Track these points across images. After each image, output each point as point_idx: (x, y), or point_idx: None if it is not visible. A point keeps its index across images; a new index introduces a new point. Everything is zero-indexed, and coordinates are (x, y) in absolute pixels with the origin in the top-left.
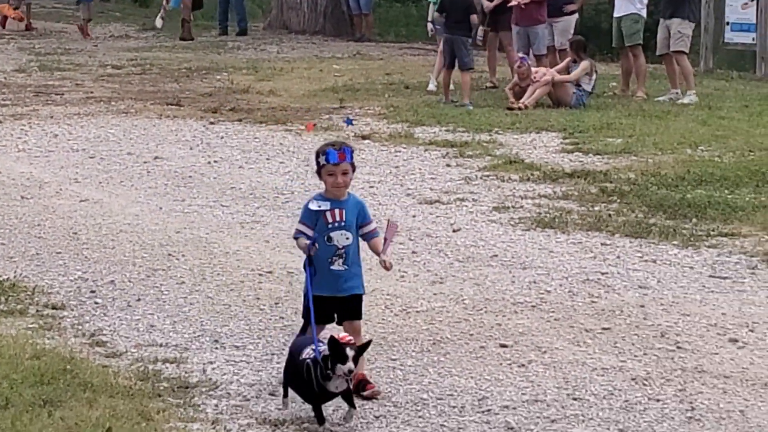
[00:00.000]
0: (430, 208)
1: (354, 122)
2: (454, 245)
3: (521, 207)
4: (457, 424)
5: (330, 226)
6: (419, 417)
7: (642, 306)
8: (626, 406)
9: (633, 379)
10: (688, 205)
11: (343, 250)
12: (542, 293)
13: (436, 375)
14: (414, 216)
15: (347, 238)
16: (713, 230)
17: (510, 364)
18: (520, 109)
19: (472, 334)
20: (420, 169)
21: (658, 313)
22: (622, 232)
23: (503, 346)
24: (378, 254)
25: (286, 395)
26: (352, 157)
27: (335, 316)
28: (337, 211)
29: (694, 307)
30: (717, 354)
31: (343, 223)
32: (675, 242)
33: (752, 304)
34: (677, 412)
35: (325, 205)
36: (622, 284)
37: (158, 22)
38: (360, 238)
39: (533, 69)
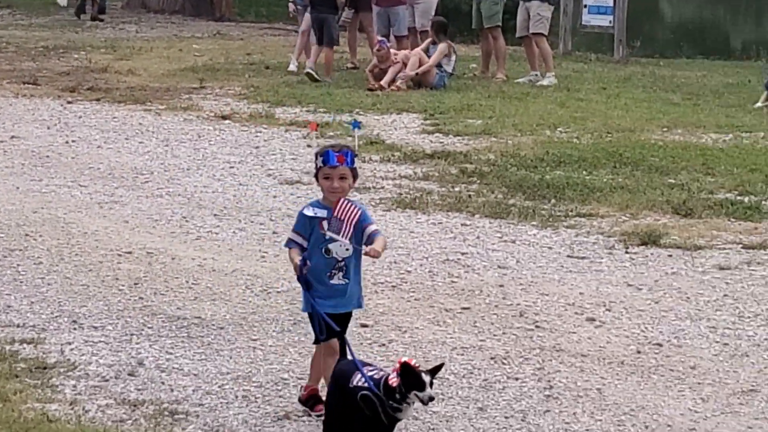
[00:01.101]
0: (291, 188)
1: (361, 126)
2: None
3: (382, 187)
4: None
5: (328, 237)
6: (280, 396)
7: (501, 286)
8: (485, 385)
9: (492, 358)
10: (547, 186)
11: (342, 263)
12: (403, 273)
13: (296, 355)
14: (275, 196)
15: (347, 250)
16: (571, 211)
17: (371, 344)
18: (381, 89)
19: None
20: (281, 149)
21: (517, 292)
22: (482, 212)
23: (364, 326)
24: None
25: None
26: (353, 162)
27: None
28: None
29: (552, 287)
30: (575, 333)
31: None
32: (534, 223)
33: (609, 283)
34: (535, 391)
35: (322, 213)
36: (482, 264)
37: (62, 0)
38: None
39: (393, 51)
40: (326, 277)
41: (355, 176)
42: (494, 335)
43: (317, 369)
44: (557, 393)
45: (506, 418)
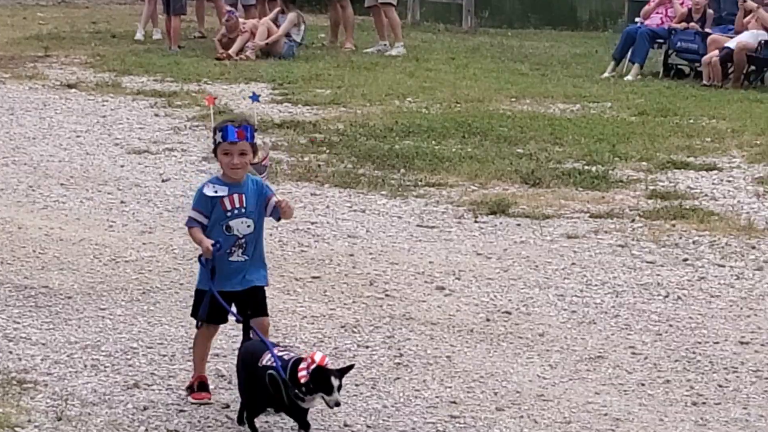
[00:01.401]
0: (139, 158)
1: (259, 98)
2: (163, 195)
3: None
4: (168, 372)
5: (229, 213)
6: (129, 366)
7: (351, 255)
8: (336, 353)
9: (342, 327)
10: (396, 156)
11: (243, 240)
12: None
13: (146, 324)
14: (122, 166)
15: (248, 227)
16: (420, 180)
17: None
18: (229, 58)
19: (182, 284)
20: (128, 118)
21: (367, 261)
22: (332, 182)
23: None
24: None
25: (254, 429)
26: (252, 137)
27: (228, 316)
28: (236, 196)
29: (402, 256)
30: (424, 301)
31: (243, 210)
32: (383, 192)
33: (458, 252)
34: (386, 359)
35: (222, 190)
36: (332, 234)
37: None
38: (268, 217)
39: (241, 21)
40: (225, 254)
41: (255, 151)
42: (344, 304)
43: (201, 354)
44: (407, 361)
45: (356, 385)
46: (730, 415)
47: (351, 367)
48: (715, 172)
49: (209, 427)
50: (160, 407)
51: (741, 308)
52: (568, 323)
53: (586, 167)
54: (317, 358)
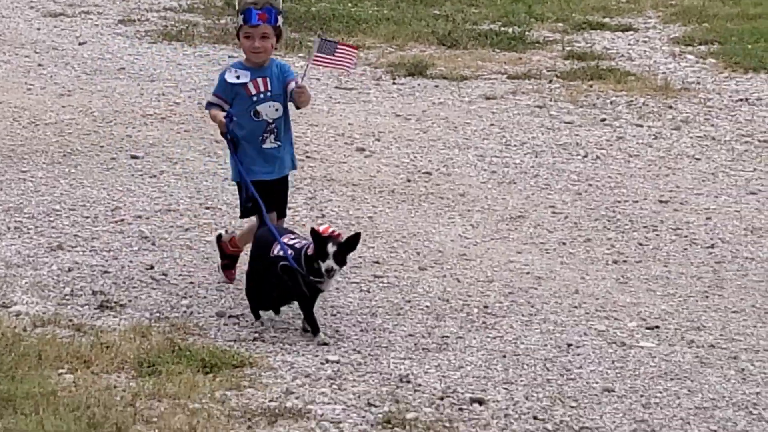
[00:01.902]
0: (55, 21)
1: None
2: (81, 58)
3: (147, 20)
4: (91, 234)
5: (255, 98)
6: (52, 228)
7: None
8: None
9: None
10: (313, 18)
11: (274, 125)
12: (171, 105)
13: (67, 186)
14: (39, 29)
15: (277, 110)
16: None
17: (142, 175)
18: None
19: (102, 146)
20: None
21: None
22: None
23: (134, 157)
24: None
25: (258, 315)
26: (276, 20)
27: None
28: (260, 80)
29: (321, 118)
30: (345, 163)
31: (269, 94)
32: (301, 54)
33: (378, 114)
34: (308, 219)
35: (245, 76)
36: None
37: None
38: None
39: None
40: (258, 141)
41: (279, 35)
42: None
43: (245, 239)
44: (329, 222)
45: None
46: (651, 273)
47: (357, 235)
48: (631, 32)
49: (134, 287)
50: (84, 268)
51: (659, 167)
52: (488, 183)
53: (502, 28)
54: (322, 228)
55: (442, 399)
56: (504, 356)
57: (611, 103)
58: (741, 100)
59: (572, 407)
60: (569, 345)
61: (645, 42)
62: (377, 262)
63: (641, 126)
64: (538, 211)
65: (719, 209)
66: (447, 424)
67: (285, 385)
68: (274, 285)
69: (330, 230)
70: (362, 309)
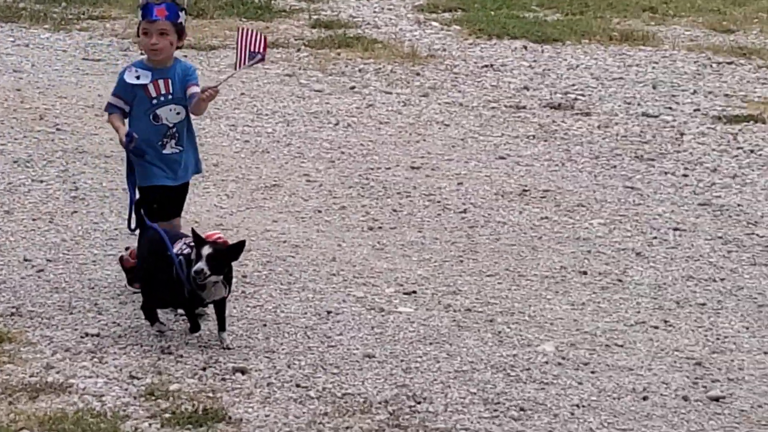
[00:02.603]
0: None
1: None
2: None
3: None
4: None
5: (155, 101)
6: None
7: (18, 90)
8: (10, 188)
9: (15, 162)
10: None
11: (174, 129)
12: None
13: None
14: None
15: (178, 114)
16: (83, 14)
17: None
18: None
19: None
20: None
21: (35, 96)
22: None
23: None
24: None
25: (153, 319)
26: (177, 17)
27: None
28: (161, 82)
29: (70, 90)
30: (96, 134)
31: (170, 96)
32: (46, 26)
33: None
34: (61, 192)
35: (146, 76)
36: None
37: None
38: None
39: None
40: (158, 146)
41: (180, 33)
42: (15, 139)
43: None
44: (83, 194)
45: (33, 220)
46: (406, 239)
47: (241, 244)
48: (375, 0)
49: None
50: None
51: (410, 134)
52: (241, 153)
53: None
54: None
55: (204, 369)
56: (264, 325)
57: (360, 71)
58: (486, 66)
59: (334, 374)
60: (329, 312)
61: (390, 10)
62: (134, 234)
63: (390, 93)
64: (293, 179)
65: (470, 174)
66: (210, 395)
67: (45, 360)
68: (166, 285)
69: (215, 236)
70: (120, 281)
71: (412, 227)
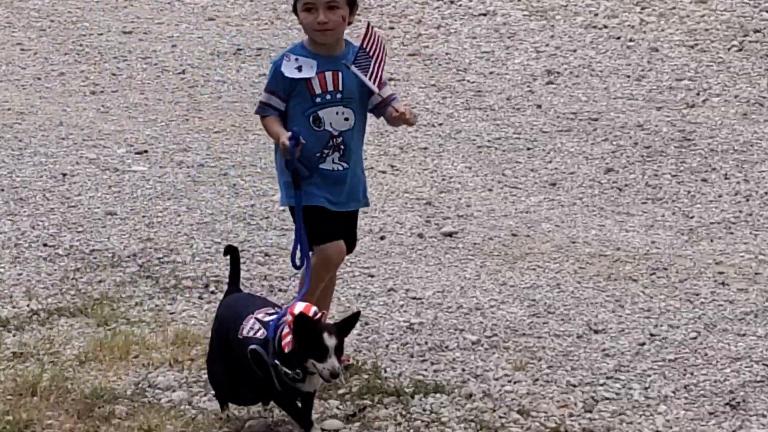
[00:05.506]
0: None
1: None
2: None
3: None
4: None
5: (318, 99)
6: None
7: None
8: None
9: None
10: None
11: (340, 139)
12: None
13: None
14: None
15: (347, 119)
16: None
17: None
18: None
19: None
20: None
21: None
22: None
23: None
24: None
25: (224, 405)
26: None
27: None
28: (328, 75)
29: None
30: None
31: (338, 95)
32: None
33: None
34: None
35: (309, 67)
36: None
37: None
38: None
39: None
40: (315, 158)
41: (351, 5)
42: None
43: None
44: None
45: None
46: (130, 101)
47: (356, 315)
48: None
49: None
50: None
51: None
52: None
53: None
54: (297, 309)
55: None
56: (2, 190)
57: None
58: None
59: (79, 232)
60: (64, 175)
61: None
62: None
63: None
64: (7, 49)
65: (182, 36)
66: None
67: None
68: (241, 375)
69: (311, 310)
70: None
71: (133, 90)
